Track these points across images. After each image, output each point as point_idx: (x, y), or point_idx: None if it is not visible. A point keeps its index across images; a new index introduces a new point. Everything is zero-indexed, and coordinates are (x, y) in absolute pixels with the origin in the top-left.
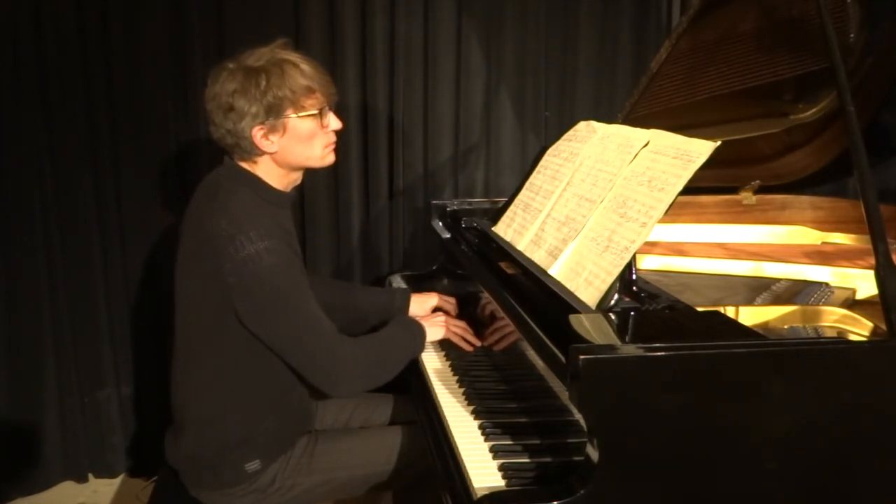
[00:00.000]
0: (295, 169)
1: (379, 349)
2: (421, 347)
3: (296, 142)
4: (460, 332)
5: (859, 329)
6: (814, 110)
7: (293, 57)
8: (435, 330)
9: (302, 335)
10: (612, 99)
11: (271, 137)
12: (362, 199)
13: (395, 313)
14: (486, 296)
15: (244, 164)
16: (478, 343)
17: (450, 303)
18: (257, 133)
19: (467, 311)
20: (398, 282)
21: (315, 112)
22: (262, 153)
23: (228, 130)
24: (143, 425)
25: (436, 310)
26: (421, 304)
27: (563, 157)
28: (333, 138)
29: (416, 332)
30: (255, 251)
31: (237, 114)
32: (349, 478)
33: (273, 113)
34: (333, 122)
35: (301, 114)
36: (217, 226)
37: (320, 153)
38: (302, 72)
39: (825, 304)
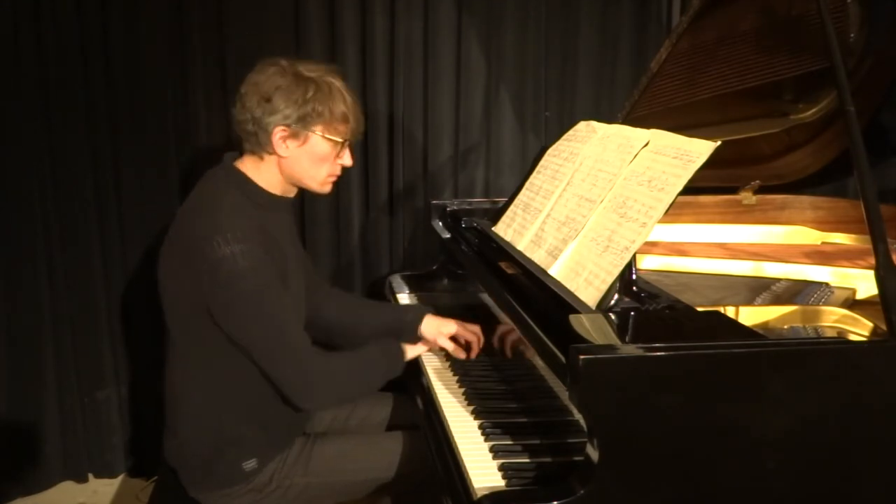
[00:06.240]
0: (293, 182)
1: (351, 366)
2: (397, 368)
3: (308, 157)
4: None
5: (859, 329)
6: (814, 110)
7: (340, 83)
8: (414, 348)
9: (271, 342)
10: (612, 99)
11: (289, 143)
12: (362, 199)
13: (405, 330)
14: (506, 324)
15: (247, 161)
16: (463, 355)
17: (472, 332)
18: (278, 132)
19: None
20: (398, 282)
21: (339, 140)
22: (272, 153)
23: (255, 118)
24: (142, 425)
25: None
26: (436, 326)
27: (563, 157)
28: (339, 171)
29: (393, 353)
30: (230, 253)
31: (272, 107)
32: (347, 482)
33: (303, 122)
34: (347, 158)
35: (327, 135)
36: (196, 225)
37: (322, 179)
38: (345, 100)
39: (825, 304)
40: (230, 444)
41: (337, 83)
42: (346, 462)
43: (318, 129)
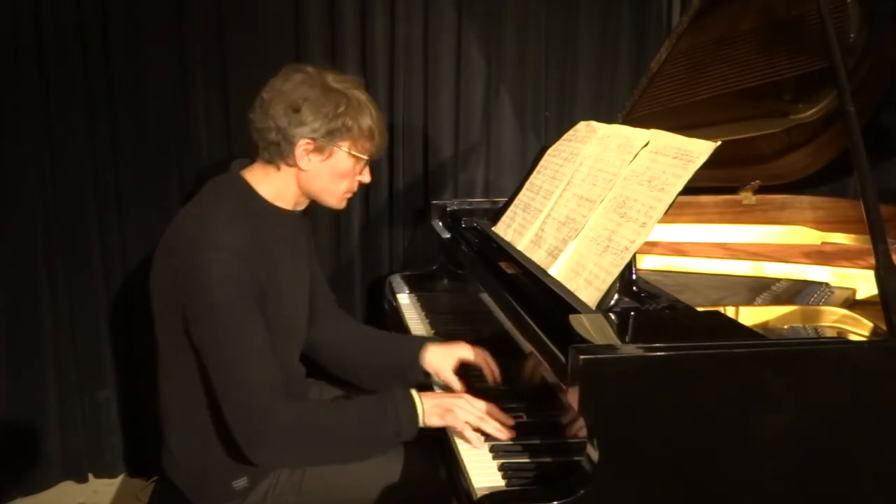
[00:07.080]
0: (309, 195)
1: (328, 421)
2: (404, 432)
3: (329, 172)
4: (476, 418)
5: (859, 329)
6: (814, 110)
7: (366, 97)
8: (439, 414)
9: (227, 368)
10: (612, 99)
11: (312, 156)
12: (362, 199)
13: (405, 363)
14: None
15: (257, 170)
16: (507, 428)
17: (484, 360)
18: (302, 145)
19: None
20: (398, 282)
21: (363, 157)
22: (292, 165)
23: (280, 127)
24: (143, 425)
25: (464, 365)
26: (444, 357)
27: (563, 157)
28: (357, 188)
29: (398, 413)
30: (207, 259)
31: (299, 119)
32: (344, 500)
33: (329, 136)
34: (366, 175)
35: (353, 152)
36: (186, 231)
37: (340, 195)
38: (371, 115)
39: (825, 304)
40: (218, 462)
41: (363, 97)
42: (343, 480)
43: (345, 145)
